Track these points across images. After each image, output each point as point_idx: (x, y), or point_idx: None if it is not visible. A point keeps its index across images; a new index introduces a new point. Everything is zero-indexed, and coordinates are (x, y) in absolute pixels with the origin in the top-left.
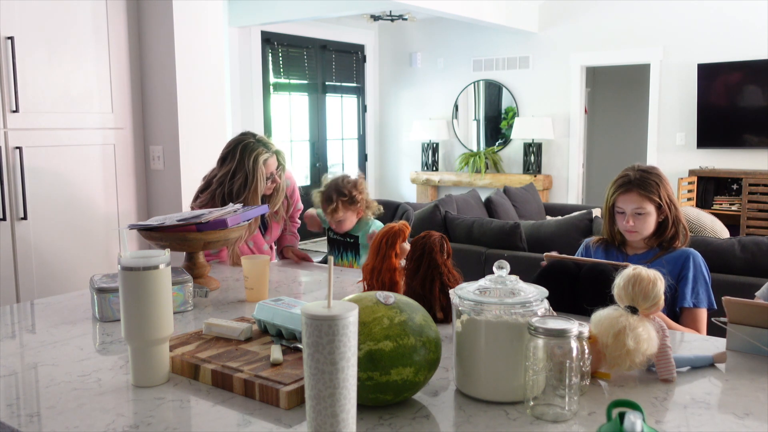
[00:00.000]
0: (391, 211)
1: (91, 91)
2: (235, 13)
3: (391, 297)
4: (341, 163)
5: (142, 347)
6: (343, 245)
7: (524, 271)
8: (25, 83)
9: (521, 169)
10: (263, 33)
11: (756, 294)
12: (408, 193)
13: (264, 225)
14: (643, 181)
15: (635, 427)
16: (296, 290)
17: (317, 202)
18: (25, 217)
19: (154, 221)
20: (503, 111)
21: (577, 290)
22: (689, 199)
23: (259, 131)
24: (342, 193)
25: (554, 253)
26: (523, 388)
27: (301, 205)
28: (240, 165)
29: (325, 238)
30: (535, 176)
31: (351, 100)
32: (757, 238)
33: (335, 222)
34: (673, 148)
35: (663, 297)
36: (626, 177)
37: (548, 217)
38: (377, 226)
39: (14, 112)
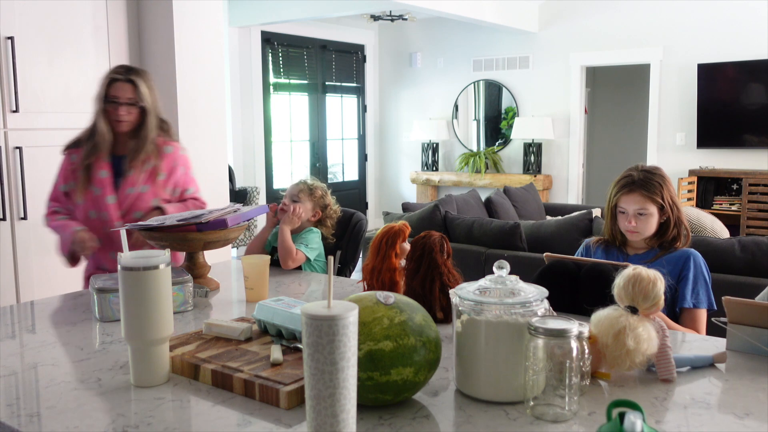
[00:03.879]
0: (345, 220)
1: (91, 91)
2: (235, 13)
3: (391, 297)
4: (341, 163)
5: (142, 347)
6: None
7: (524, 271)
8: (25, 83)
9: (521, 169)
10: (263, 33)
11: (756, 299)
12: (408, 193)
13: (119, 171)
14: (646, 182)
15: (635, 427)
16: (296, 290)
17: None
18: (25, 217)
19: (154, 221)
20: (503, 111)
21: (577, 290)
22: (689, 199)
23: (259, 131)
24: (316, 184)
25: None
26: (523, 388)
27: (193, 189)
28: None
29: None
30: (535, 176)
31: (351, 100)
32: (757, 238)
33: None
34: (673, 148)
35: (663, 297)
36: (629, 177)
37: (548, 217)
38: (314, 232)
39: (14, 112)
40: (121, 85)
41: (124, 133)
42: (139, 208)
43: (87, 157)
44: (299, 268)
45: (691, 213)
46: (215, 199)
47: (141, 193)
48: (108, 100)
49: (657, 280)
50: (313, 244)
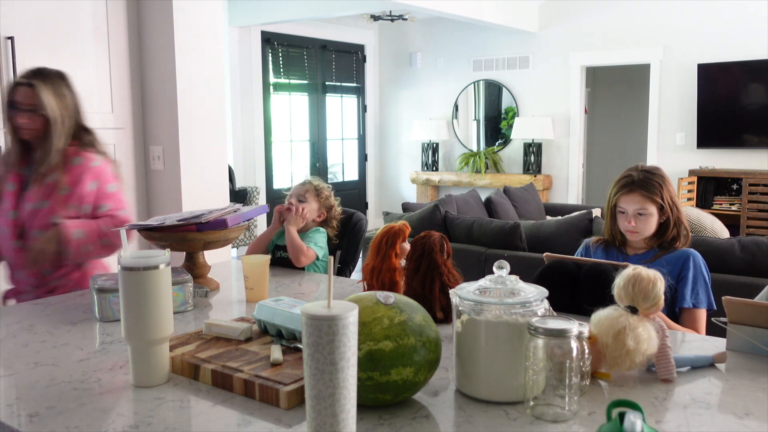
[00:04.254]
0: (345, 220)
1: (91, 91)
2: (235, 13)
3: (391, 297)
4: (341, 163)
5: (142, 347)
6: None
7: (524, 271)
8: None
9: (521, 169)
10: (263, 33)
11: (756, 299)
12: (408, 193)
13: (23, 183)
14: (646, 182)
15: (635, 427)
16: (296, 290)
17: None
18: None
19: (154, 221)
20: (503, 111)
21: (577, 290)
22: (689, 199)
23: (259, 131)
24: (322, 185)
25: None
26: (523, 388)
27: (110, 206)
28: None
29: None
30: (535, 176)
31: (351, 100)
32: (757, 238)
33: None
34: (673, 148)
35: (663, 297)
36: (629, 177)
37: (548, 217)
38: (321, 232)
39: None
40: (22, 90)
41: (32, 141)
42: (37, 225)
43: (1, 168)
44: (302, 268)
45: (691, 213)
46: (215, 199)
47: (39, 209)
48: (11, 106)
49: (657, 280)
50: (321, 243)
